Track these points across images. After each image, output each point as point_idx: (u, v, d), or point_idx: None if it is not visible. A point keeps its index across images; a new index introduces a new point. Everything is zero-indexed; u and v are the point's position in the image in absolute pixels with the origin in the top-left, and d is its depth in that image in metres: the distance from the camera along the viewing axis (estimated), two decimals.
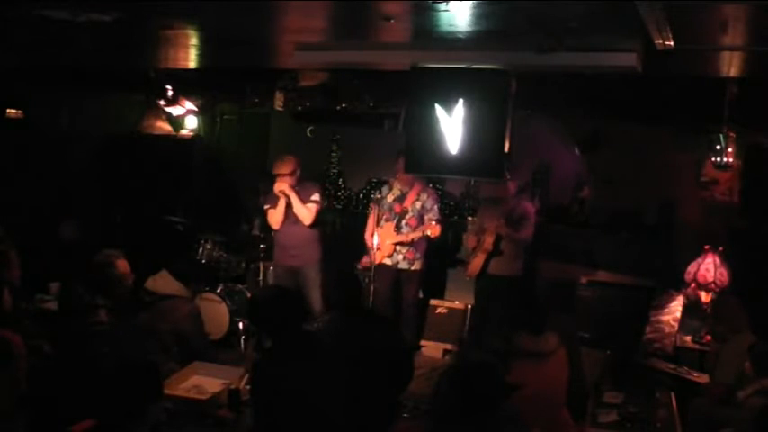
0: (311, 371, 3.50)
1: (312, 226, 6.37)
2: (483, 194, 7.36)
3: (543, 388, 3.85)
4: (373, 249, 6.34)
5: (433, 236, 6.28)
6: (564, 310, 6.43)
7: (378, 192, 6.78)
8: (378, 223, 6.40)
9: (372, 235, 6.44)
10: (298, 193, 6.29)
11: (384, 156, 6.95)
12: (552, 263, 7.07)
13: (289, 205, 6.32)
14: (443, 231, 6.62)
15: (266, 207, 6.51)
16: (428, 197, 6.49)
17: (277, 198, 6.34)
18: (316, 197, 6.38)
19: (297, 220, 6.34)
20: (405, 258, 6.47)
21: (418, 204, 6.46)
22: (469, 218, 7.80)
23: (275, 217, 6.42)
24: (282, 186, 6.25)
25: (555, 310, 6.19)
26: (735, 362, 4.62)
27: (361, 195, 8.20)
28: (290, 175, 6.27)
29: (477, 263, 6.37)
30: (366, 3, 3.40)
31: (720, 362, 4.89)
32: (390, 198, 6.52)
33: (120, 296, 4.30)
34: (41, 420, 3.51)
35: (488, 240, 6.26)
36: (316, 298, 6.34)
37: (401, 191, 6.53)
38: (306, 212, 6.29)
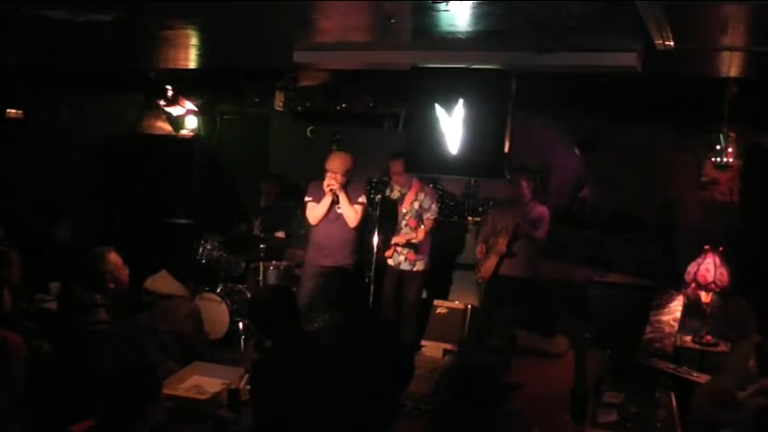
0: (311, 371, 3.50)
1: (354, 228, 6.21)
2: (496, 195, 7.33)
3: (549, 389, 3.86)
4: (375, 249, 6.39)
5: (417, 240, 6.33)
6: (564, 310, 6.42)
7: (380, 193, 6.76)
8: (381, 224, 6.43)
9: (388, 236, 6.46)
10: (347, 193, 6.12)
11: (384, 156, 6.95)
12: (552, 263, 7.06)
13: (332, 203, 6.15)
14: (447, 232, 6.64)
15: (308, 199, 6.28)
16: (425, 196, 6.49)
17: (322, 193, 6.13)
18: (362, 199, 6.20)
19: (337, 220, 6.17)
20: (406, 259, 6.48)
21: (416, 205, 6.47)
22: (470, 218, 7.80)
23: (316, 212, 6.18)
24: (334, 184, 6.02)
25: (557, 311, 6.20)
26: (741, 367, 4.62)
27: None
28: (344, 174, 6.07)
29: (489, 265, 6.31)
30: (367, 3, 3.40)
31: (728, 367, 4.89)
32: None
33: (116, 290, 4.29)
34: (41, 420, 3.51)
35: (501, 242, 6.21)
36: None
37: (400, 192, 6.54)
38: (353, 214, 6.11)
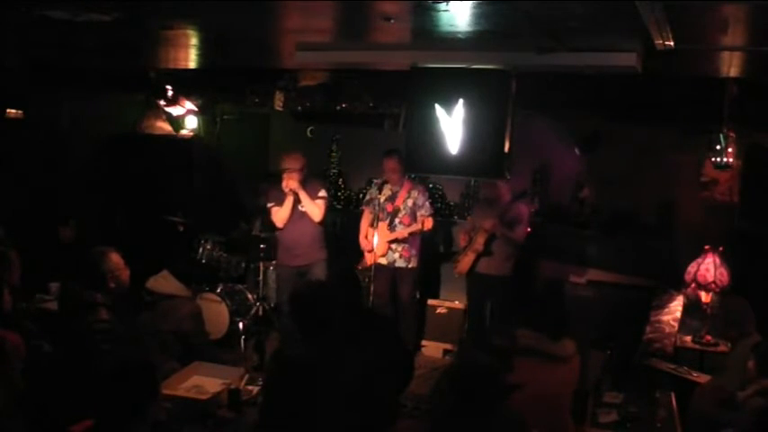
0: (324, 370, 3.50)
1: (319, 223, 6.32)
2: (481, 194, 7.36)
3: (552, 391, 3.85)
4: (367, 251, 6.39)
5: (426, 229, 6.33)
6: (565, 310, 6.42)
7: (369, 193, 6.79)
8: (373, 224, 6.42)
9: (366, 236, 6.47)
10: (306, 190, 6.22)
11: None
12: (552, 263, 7.06)
13: (295, 203, 6.24)
14: (440, 230, 6.64)
15: (270, 205, 6.40)
16: (419, 194, 6.52)
17: (283, 195, 6.23)
18: (323, 193, 6.34)
19: (302, 219, 6.27)
20: (401, 257, 6.50)
21: (410, 202, 6.49)
22: (470, 218, 7.80)
23: (281, 215, 6.29)
24: (292, 183, 6.14)
25: (566, 314, 6.20)
26: (741, 367, 4.62)
27: (361, 195, 8.19)
28: (299, 171, 6.18)
29: (467, 261, 6.40)
30: (366, 3, 3.40)
31: (728, 367, 4.89)
32: (382, 198, 6.54)
33: (117, 290, 4.29)
34: (41, 420, 3.51)
35: (480, 240, 6.30)
36: None
37: (392, 190, 6.56)
38: (316, 209, 6.24)
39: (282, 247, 6.49)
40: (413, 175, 6.58)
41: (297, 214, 6.29)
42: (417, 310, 6.85)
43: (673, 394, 4.62)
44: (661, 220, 7.12)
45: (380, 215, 6.48)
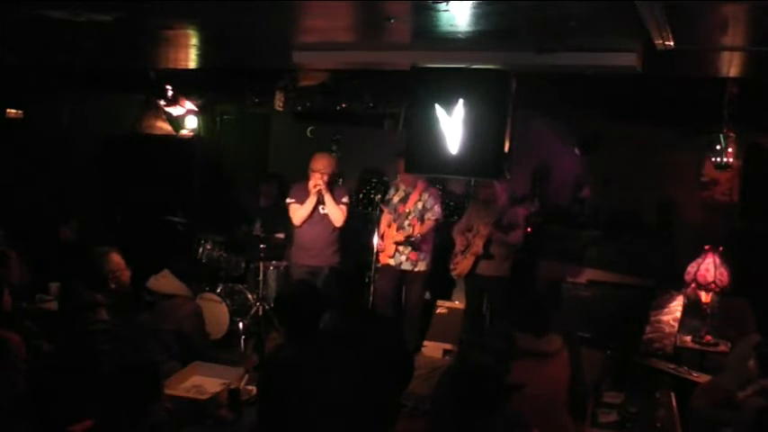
0: (318, 370, 3.50)
1: (339, 228, 6.30)
2: (481, 194, 7.36)
3: (544, 388, 3.85)
4: (378, 249, 6.39)
5: (417, 233, 6.35)
6: (564, 309, 6.43)
7: (387, 193, 6.78)
8: (389, 224, 6.44)
9: (381, 236, 6.47)
10: (332, 194, 6.21)
11: (384, 156, 6.96)
12: (552, 263, 7.07)
13: (316, 204, 6.22)
14: (447, 232, 6.66)
15: (290, 201, 6.36)
16: (429, 196, 6.51)
17: (305, 194, 6.22)
18: (346, 199, 6.33)
19: (322, 221, 6.25)
20: (408, 259, 6.49)
21: (420, 204, 6.49)
22: (464, 217, 7.80)
23: (300, 213, 6.26)
24: (320, 184, 6.12)
25: (555, 310, 6.21)
26: (741, 366, 4.62)
27: (360, 195, 8.19)
28: (330, 174, 6.18)
29: (466, 264, 6.40)
30: (367, 3, 3.40)
31: (728, 367, 4.90)
32: (396, 199, 6.56)
33: (117, 290, 4.29)
34: (41, 420, 3.51)
35: (479, 243, 6.31)
36: None
37: (405, 192, 6.57)
38: (339, 213, 6.22)
39: (297, 246, 6.45)
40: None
41: (317, 216, 6.27)
42: (422, 313, 6.83)
43: (673, 394, 4.62)
44: (661, 220, 7.13)
45: (393, 216, 6.51)
